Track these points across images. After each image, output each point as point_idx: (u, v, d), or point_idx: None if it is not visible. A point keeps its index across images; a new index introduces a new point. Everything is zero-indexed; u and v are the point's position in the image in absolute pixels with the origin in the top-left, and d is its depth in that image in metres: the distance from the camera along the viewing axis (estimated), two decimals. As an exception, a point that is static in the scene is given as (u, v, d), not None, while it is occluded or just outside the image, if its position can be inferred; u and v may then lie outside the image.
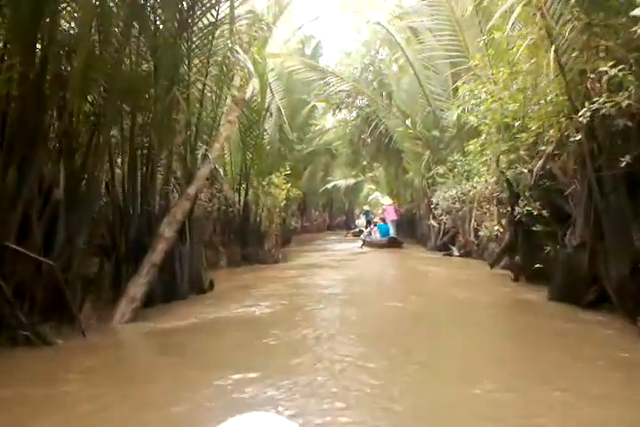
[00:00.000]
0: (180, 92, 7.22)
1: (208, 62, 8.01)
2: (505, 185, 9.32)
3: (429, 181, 16.57)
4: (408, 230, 22.32)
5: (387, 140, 20.86)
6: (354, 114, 22.69)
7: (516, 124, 8.20)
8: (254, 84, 10.62)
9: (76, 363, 4.62)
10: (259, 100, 11.47)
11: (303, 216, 30.91)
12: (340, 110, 21.97)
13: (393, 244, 17.59)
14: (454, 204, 14.32)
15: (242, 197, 12.40)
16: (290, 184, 13.18)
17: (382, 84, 20.99)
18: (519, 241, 8.80)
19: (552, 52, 6.07)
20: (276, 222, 12.97)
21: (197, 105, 8.12)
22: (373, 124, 21.15)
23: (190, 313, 6.68)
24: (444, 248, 15.61)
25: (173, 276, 7.39)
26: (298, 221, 29.88)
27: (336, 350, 4.84)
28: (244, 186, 12.45)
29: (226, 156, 12.79)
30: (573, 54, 6.17)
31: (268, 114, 11.90)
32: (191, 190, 7.74)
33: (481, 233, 13.31)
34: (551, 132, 7.33)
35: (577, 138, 6.05)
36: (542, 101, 7.03)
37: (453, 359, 4.68)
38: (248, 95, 9.73)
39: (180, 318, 6.40)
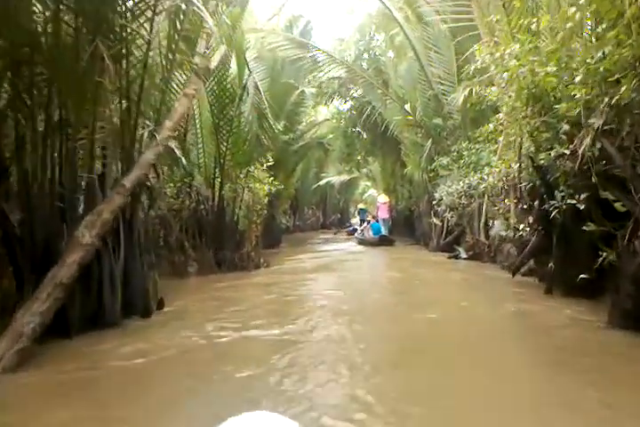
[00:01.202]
0: (106, 47, 5.13)
1: (154, 13, 5.91)
2: (533, 173, 7.25)
3: (431, 174, 14.51)
4: (406, 229, 20.26)
5: (383, 131, 18.87)
6: (348, 105, 20.64)
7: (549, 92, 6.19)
8: (226, 54, 8.56)
9: None
10: (232, 74, 9.37)
11: (296, 215, 28.82)
12: (332, 100, 19.89)
13: (384, 242, 17.01)
14: (460, 199, 12.29)
15: (216, 192, 10.29)
16: (273, 178, 11.09)
17: (378, 71, 18.93)
18: (554, 244, 6.74)
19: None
20: (257, 221, 10.89)
21: (138, 69, 6.04)
22: (367, 115, 19.23)
23: (111, 351, 4.61)
24: (449, 249, 13.55)
25: (99, 296, 5.31)
26: (290, 219, 27.84)
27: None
28: (218, 179, 10.33)
29: (199, 143, 10.72)
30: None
31: (246, 95, 9.76)
32: (128, 181, 5.67)
33: (492, 232, 11.31)
34: (605, 100, 5.30)
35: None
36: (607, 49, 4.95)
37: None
38: (214, 65, 7.65)
39: (92, 360, 4.33)
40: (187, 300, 7.55)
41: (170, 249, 9.72)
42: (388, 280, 9.81)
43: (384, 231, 18.29)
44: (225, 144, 10.02)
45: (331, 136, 22.95)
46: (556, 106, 6.12)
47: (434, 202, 13.73)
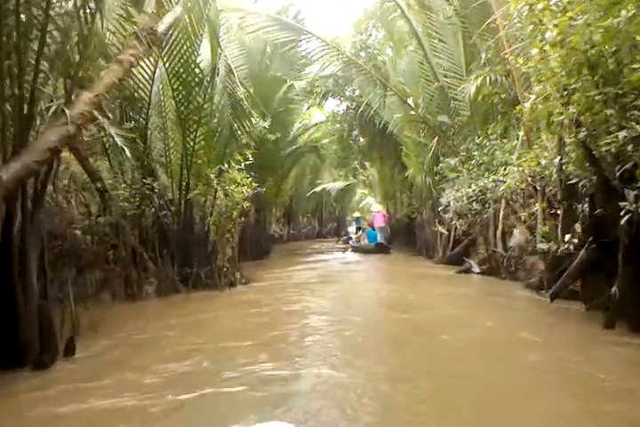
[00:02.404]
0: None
1: None
2: (585, 166, 5.30)
3: (436, 177, 12.57)
4: (406, 239, 18.29)
5: (381, 133, 17.01)
6: (343, 106, 18.75)
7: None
8: (181, 18, 6.63)
9: None
10: (191, 50, 7.43)
11: (290, 223, 26.87)
12: (325, 100, 18.00)
13: (380, 249, 16.30)
14: (471, 204, 10.31)
15: (183, 196, 8.34)
16: (253, 179, 9.10)
17: (376, 69, 17.05)
18: (620, 261, 4.78)
19: None
20: (232, 230, 8.91)
21: (36, 20, 4.12)
22: (364, 116, 17.34)
23: None
24: (456, 261, 11.58)
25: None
26: (284, 228, 25.91)
27: None
28: (185, 180, 8.39)
29: (164, 136, 8.78)
30: None
31: (218, 80, 7.81)
32: (5, 172, 3.69)
33: (512, 243, 9.34)
34: None
35: None
36: None
37: None
38: (163, 28, 5.73)
39: None
40: (125, 332, 5.57)
41: (123, 264, 7.73)
42: (390, 301, 7.81)
43: (380, 239, 17.30)
44: (192, 137, 8.08)
45: (326, 141, 21.10)
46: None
47: (439, 208, 11.77)
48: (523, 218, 8.87)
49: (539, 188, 7.87)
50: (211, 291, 8.24)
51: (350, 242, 19.57)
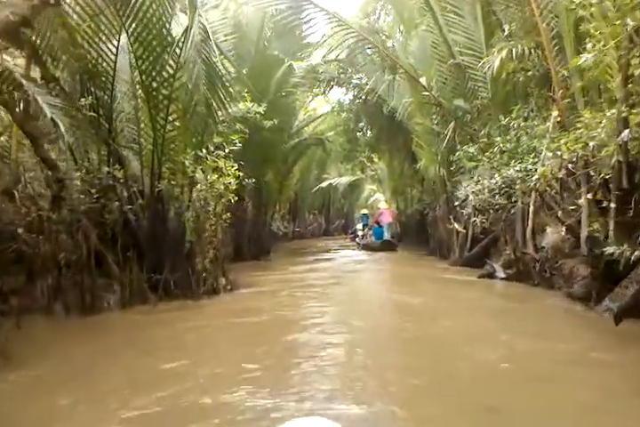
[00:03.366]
0: None
1: None
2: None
3: (452, 168, 11.00)
4: (418, 238, 16.72)
5: (389, 123, 15.47)
6: (349, 96, 17.20)
7: None
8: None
9: None
10: (158, 7, 5.92)
11: (295, 220, 25.37)
12: (330, 89, 16.45)
13: (387, 246, 15.76)
14: (494, 198, 8.72)
15: (154, 187, 6.88)
16: (236, 168, 7.58)
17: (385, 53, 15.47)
18: None
19: None
20: (214, 229, 7.42)
21: None
22: (371, 104, 15.80)
23: None
24: (476, 263, 10.04)
25: None
26: (288, 225, 24.41)
27: None
28: (158, 168, 6.92)
29: (134, 114, 7.31)
30: None
31: (191, 44, 6.27)
32: None
33: (545, 243, 7.79)
34: None
35: None
36: None
37: None
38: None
39: None
40: (49, 361, 4.14)
41: (79, 269, 6.28)
42: (404, 313, 6.31)
43: (387, 236, 16.71)
44: (163, 116, 6.61)
45: (331, 133, 19.56)
46: None
47: (455, 203, 10.20)
48: (558, 214, 7.32)
49: (582, 176, 6.32)
50: (185, 300, 6.77)
51: (356, 239, 18.54)
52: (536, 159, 7.85)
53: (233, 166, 7.46)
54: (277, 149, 14.14)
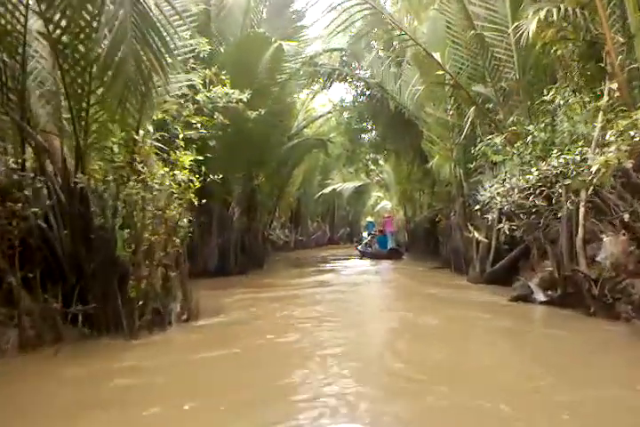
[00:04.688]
0: None
1: None
2: None
3: (470, 165, 8.98)
4: (427, 247, 14.68)
5: (396, 122, 13.50)
6: (352, 92, 15.23)
7: None
8: None
9: None
10: None
11: (298, 228, 23.36)
12: (331, 83, 14.50)
13: (392, 255, 15.36)
14: (527, 199, 6.64)
15: (73, 183, 4.92)
16: (190, 157, 5.60)
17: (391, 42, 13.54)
18: None
19: None
20: (165, 241, 5.43)
21: None
22: (378, 100, 13.87)
23: None
24: (501, 280, 8.04)
25: None
26: (290, 234, 22.41)
27: None
28: (78, 157, 4.96)
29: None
30: None
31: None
32: None
33: (601, 258, 5.73)
34: None
35: None
36: None
37: None
38: None
39: None
40: None
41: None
42: (423, 364, 4.27)
43: (391, 245, 16.31)
44: (81, 83, 4.65)
45: (333, 135, 17.60)
46: None
47: (476, 207, 8.12)
48: (625, 218, 5.27)
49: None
50: (114, 339, 4.76)
51: (359, 247, 17.62)
52: (585, 148, 5.84)
53: (187, 156, 5.47)
54: (270, 148, 12.20)
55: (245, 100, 8.72)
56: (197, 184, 5.96)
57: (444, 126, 9.63)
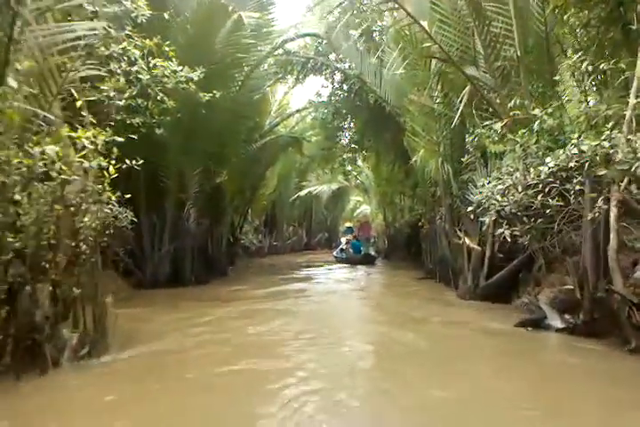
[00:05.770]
0: None
1: None
2: None
3: (462, 159, 7.49)
4: (409, 255, 13.20)
5: (377, 117, 12.09)
6: (329, 86, 13.69)
7: None
8: None
9: None
10: None
11: (272, 233, 21.71)
12: (304, 74, 12.97)
13: (365, 260, 14.98)
14: (535, 198, 5.12)
15: None
16: (103, 136, 4.03)
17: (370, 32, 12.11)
18: None
19: None
20: (55, 247, 3.81)
21: None
22: (356, 93, 12.43)
23: None
24: (498, 296, 6.57)
25: None
26: (264, 239, 20.76)
27: None
28: None
29: None
30: None
31: None
32: None
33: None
34: None
35: None
36: None
37: None
38: None
39: None
40: None
41: None
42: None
43: (366, 250, 15.97)
44: None
45: (309, 133, 16.08)
46: None
47: (469, 209, 6.57)
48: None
49: None
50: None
51: (334, 253, 17.19)
52: (614, 132, 4.39)
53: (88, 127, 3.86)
54: (235, 142, 10.59)
55: (197, 79, 7.14)
56: (113, 173, 4.36)
57: (429, 116, 8.14)
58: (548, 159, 4.82)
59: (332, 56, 12.98)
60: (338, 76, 13.15)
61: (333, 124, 13.65)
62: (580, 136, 4.78)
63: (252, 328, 5.53)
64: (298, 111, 15.45)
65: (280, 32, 11.15)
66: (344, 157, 14.38)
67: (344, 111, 13.63)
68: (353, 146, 14.02)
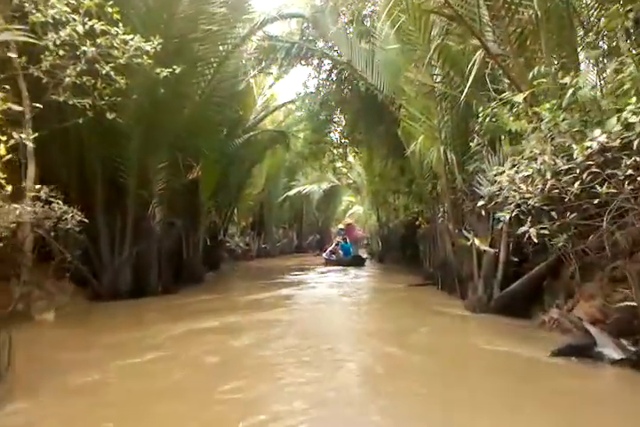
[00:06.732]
0: None
1: None
2: None
3: (470, 144, 6.20)
4: (404, 258, 11.89)
5: (368, 108, 10.82)
6: (316, 75, 12.38)
7: None
8: None
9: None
10: None
11: (261, 235, 20.34)
12: (289, 62, 11.64)
13: (354, 262, 14.77)
14: (572, 186, 3.79)
15: None
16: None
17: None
18: None
19: None
20: None
21: None
22: (346, 83, 11.17)
23: None
24: (516, 310, 5.25)
25: None
26: (252, 242, 19.38)
27: None
28: None
29: None
30: None
31: None
32: None
33: None
34: None
35: None
36: None
37: None
38: None
39: None
40: None
41: None
42: None
43: (355, 252, 16.02)
44: None
45: (297, 128, 14.79)
46: None
47: (478, 204, 5.24)
48: None
49: None
50: None
51: (324, 255, 16.64)
52: None
53: None
54: (210, 134, 9.27)
55: (153, 51, 5.83)
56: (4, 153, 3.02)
57: (428, 97, 6.83)
58: (596, 132, 3.52)
59: (320, 43, 11.70)
60: (326, 65, 11.89)
61: (322, 115, 12.34)
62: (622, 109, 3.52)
63: (210, 355, 4.19)
64: (284, 105, 14.14)
65: (262, 13, 9.87)
66: (334, 152, 13.03)
67: (333, 103, 12.36)
68: (343, 141, 12.68)
